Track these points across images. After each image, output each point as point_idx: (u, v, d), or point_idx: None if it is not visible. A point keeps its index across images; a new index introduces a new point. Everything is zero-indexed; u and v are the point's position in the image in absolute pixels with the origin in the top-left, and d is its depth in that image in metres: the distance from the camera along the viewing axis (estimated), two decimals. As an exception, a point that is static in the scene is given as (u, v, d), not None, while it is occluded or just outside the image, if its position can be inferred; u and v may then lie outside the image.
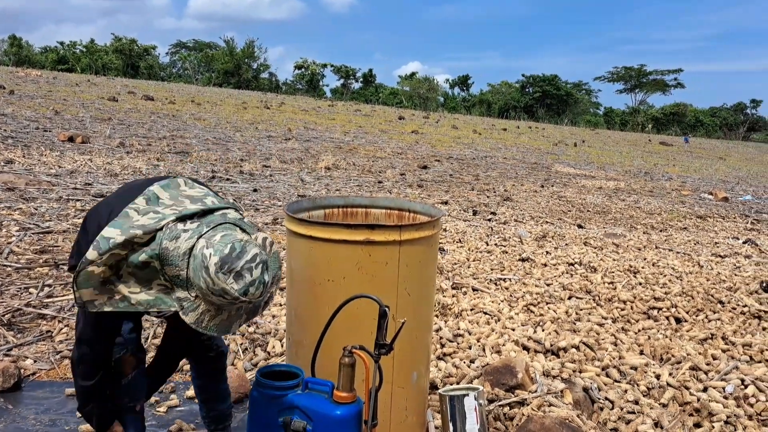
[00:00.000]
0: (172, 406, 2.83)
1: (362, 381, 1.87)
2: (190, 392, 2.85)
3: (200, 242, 1.69)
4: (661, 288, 4.95)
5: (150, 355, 2.86)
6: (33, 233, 5.23)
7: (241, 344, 3.47)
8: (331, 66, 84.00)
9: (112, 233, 1.76)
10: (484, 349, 3.52)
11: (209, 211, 1.85)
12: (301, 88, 78.57)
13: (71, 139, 11.55)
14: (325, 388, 1.89)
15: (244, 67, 71.57)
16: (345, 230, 2.19)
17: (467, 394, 2.47)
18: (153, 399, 2.76)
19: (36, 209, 6.06)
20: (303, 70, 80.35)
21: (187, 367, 2.59)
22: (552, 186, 12.99)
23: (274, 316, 3.88)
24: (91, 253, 1.73)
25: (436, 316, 4.03)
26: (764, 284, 5.01)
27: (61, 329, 3.45)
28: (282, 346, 3.41)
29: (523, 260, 5.78)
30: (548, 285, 4.97)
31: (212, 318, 1.72)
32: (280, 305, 4.05)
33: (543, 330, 3.89)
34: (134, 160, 10.22)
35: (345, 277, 2.21)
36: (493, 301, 4.44)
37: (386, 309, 1.91)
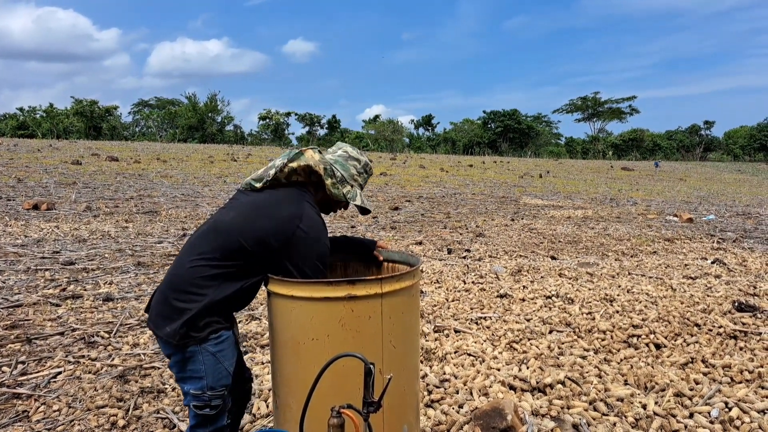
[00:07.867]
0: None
1: (354, 440, 1.85)
2: None
3: (327, 158, 2.37)
4: (638, 315, 5.03)
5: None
6: (2, 308, 5.09)
7: (226, 408, 3.38)
8: (296, 114, 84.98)
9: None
10: (471, 393, 3.51)
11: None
12: (266, 138, 79.09)
13: (36, 207, 11.37)
14: (318, 452, 1.86)
15: (208, 121, 71.89)
16: (326, 287, 2.19)
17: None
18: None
19: (4, 282, 5.92)
20: (268, 120, 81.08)
21: None
22: (522, 219, 13.17)
23: (256, 376, 3.81)
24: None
25: (421, 361, 4.02)
26: (737, 304, 5.13)
27: (38, 408, 3.33)
28: (267, 407, 3.35)
29: (501, 296, 5.82)
30: (528, 320, 5.00)
31: (362, 195, 2.40)
32: (263, 364, 3.99)
33: (528, 368, 3.90)
34: (102, 224, 10.09)
35: (329, 334, 2.20)
36: (475, 342, 4.45)
37: (371, 366, 1.91)
